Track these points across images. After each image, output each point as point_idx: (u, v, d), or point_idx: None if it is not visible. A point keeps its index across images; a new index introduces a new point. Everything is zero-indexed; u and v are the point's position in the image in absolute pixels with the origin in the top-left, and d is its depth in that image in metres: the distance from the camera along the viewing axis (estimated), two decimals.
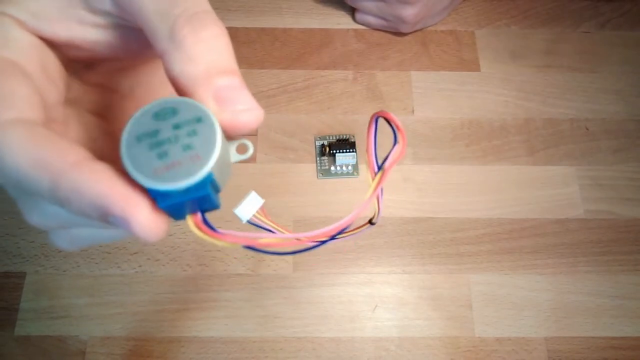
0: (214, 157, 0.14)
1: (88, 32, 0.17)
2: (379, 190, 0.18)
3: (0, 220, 0.43)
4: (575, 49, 0.51)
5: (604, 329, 0.41)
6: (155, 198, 0.14)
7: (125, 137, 0.15)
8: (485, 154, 0.46)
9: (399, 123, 0.18)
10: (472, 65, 0.50)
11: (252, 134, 0.46)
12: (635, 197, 0.45)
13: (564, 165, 0.46)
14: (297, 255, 0.42)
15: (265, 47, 0.50)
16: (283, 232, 0.20)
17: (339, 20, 0.52)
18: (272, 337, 0.40)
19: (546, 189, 0.45)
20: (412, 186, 0.45)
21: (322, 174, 0.45)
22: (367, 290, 0.42)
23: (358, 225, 0.20)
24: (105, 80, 0.20)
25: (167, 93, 0.21)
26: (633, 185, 0.46)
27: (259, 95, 0.48)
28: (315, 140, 0.46)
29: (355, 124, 0.47)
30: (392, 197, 0.45)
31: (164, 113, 0.15)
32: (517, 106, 0.48)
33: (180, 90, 0.15)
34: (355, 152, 0.45)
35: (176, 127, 0.15)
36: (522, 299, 0.42)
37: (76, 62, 0.18)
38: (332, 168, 0.45)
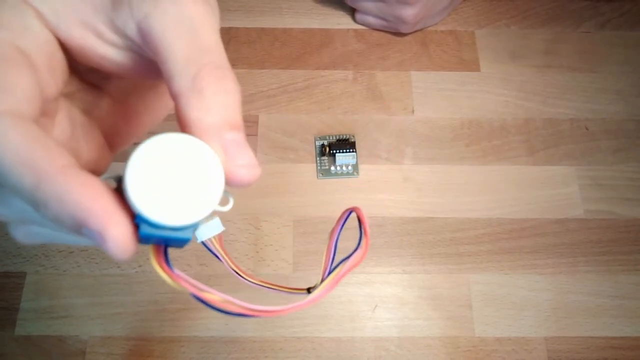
0: (215, 204, 0.15)
1: (102, 47, 0.17)
2: (327, 291, 0.18)
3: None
4: (575, 49, 0.51)
5: (604, 329, 0.41)
6: (140, 224, 0.14)
7: (134, 156, 0.15)
8: (485, 154, 0.46)
9: (367, 227, 0.18)
10: (472, 65, 0.50)
11: (254, 134, 0.46)
12: (635, 197, 0.45)
13: (564, 165, 0.46)
14: (297, 256, 0.42)
15: (265, 47, 0.50)
16: (230, 264, 0.21)
17: (339, 20, 0.52)
18: (272, 337, 0.40)
19: (546, 189, 0.45)
20: (412, 186, 0.45)
21: (322, 174, 0.45)
22: (367, 290, 0.42)
23: (296, 288, 0.21)
24: (102, 83, 0.20)
25: (160, 106, 0.22)
26: (633, 185, 0.46)
27: (259, 95, 0.48)
28: (315, 140, 0.46)
29: (355, 124, 0.47)
30: (392, 197, 0.45)
31: (177, 147, 0.15)
32: (517, 106, 0.48)
33: (187, 131, 0.16)
34: (355, 152, 0.45)
35: (185, 164, 0.15)
36: (522, 299, 0.42)
37: (80, 64, 0.18)
38: (332, 168, 0.45)
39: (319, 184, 0.45)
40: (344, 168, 0.45)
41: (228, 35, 0.50)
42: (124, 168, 0.15)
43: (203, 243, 0.19)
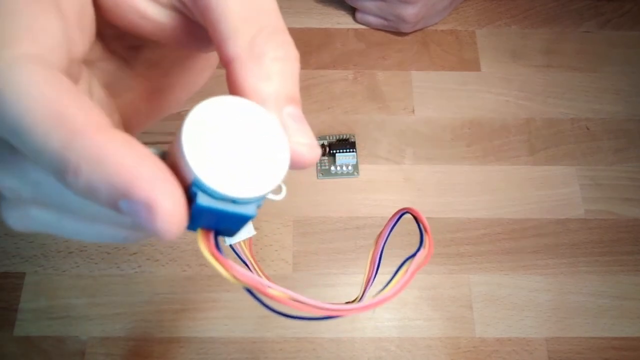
0: (278, 180, 0.13)
1: (142, 3, 0.15)
2: (396, 293, 0.16)
3: None
4: (576, 49, 0.51)
5: (605, 330, 0.41)
6: (196, 194, 0.12)
7: (191, 116, 0.13)
8: (485, 154, 0.46)
9: (427, 224, 0.16)
10: (472, 65, 0.50)
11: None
12: (636, 197, 0.45)
13: (564, 165, 0.46)
14: (297, 256, 0.42)
15: None
16: (259, 272, 0.18)
17: (339, 20, 0.51)
18: (272, 337, 0.40)
19: (547, 189, 0.45)
20: (412, 186, 0.45)
21: (322, 174, 0.45)
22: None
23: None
24: (125, 52, 0.18)
25: (185, 85, 0.19)
26: (633, 185, 0.45)
27: None
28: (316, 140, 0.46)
29: (355, 124, 0.47)
30: (392, 197, 0.45)
31: (242, 112, 0.13)
32: (518, 106, 0.48)
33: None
34: (356, 152, 0.45)
35: (249, 131, 0.13)
36: (523, 299, 0.42)
37: (110, 26, 0.16)
38: (332, 168, 0.45)
39: (319, 184, 0.45)
40: (344, 168, 0.45)
41: None
42: (178, 130, 0.12)
43: (232, 247, 0.17)
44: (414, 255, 0.16)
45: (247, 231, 0.16)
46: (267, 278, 0.18)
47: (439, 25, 0.51)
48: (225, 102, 0.13)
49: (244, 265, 0.18)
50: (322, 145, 0.46)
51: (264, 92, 0.14)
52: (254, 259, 0.18)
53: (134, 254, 0.42)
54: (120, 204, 0.11)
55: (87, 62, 0.16)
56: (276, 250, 0.42)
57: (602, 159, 0.46)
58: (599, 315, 0.41)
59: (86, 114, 0.12)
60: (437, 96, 0.48)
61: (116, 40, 0.17)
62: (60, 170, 0.11)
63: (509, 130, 0.47)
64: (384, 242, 0.17)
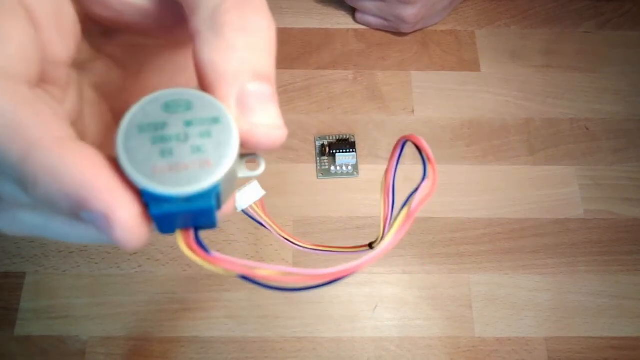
0: (227, 166, 0.12)
1: None
2: (401, 234, 0.15)
3: None
4: (575, 49, 0.51)
5: (604, 329, 0.41)
6: (148, 202, 0.12)
7: (125, 123, 0.12)
8: (485, 154, 0.46)
9: (430, 153, 0.15)
10: (472, 65, 0.50)
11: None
12: (635, 197, 0.45)
13: (564, 165, 0.46)
14: (297, 256, 0.42)
15: None
16: (278, 231, 0.18)
17: (339, 20, 0.52)
18: (272, 337, 0.40)
19: (546, 189, 0.45)
20: (412, 186, 0.45)
21: (322, 174, 0.45)
22: (367, 290, 0.42)
23: (356, 246, 0.18)
24: (116, 52, 0.18)
25: (179, 83, 0.19)
26: (633, 185, 0.46)
27: None
28: (315, 140, 0.46)
29: (355, 124, 0.47)
30: None
31: (176, 105, 0.13)
32: (517, 106, 0.48)
33: (203, 82, 0.13)
34: (356, 152, 0.45)
35: (188, 124, 0.13)
36: (522, 299, 0.42)
37: (95, 23, 0.16)
38: (332, 168, 0.45)
39: (319, 184, 0.45)
40: (344, 168, 0.45)
41: None
42: (113, 138, 0.12)
43: (244, 211, 0.17)
44: (417, 189, 0.15)
45: (256, 193, 0.16)
46: (289, 236, 0.18)
47: (438, 25, 0.51)
48: (162, 96, 0.13)
49: (263, 227, 0.17)
50: (322, 146, 0.46)
51: (221, 67, 0.13)
52: (270, 219, 0.18)
53: (135, 253, 0.42)
54: (81, 215, 0.11)
55: (76, 63, 0.16)
56: (276, 250, 0.42)
57: (602, 159, 0.46)
58: (598, 315, 0.41)
59: (44, 126, 0.12)
60: (437, 96, 0.49)
61: (105, 39, 0.17)
62: (20, 181, 0.12)
63: (508, 131, 0.47)
64: (393, 175, 0.16)
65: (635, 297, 0.42)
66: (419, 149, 0.15)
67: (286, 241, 0.18)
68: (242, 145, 0.13)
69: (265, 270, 0.13)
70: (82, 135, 0.16)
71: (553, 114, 0.48)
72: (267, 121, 0.13)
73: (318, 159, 0.46)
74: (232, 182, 0.14)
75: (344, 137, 0.46)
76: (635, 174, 0.46)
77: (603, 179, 0.46)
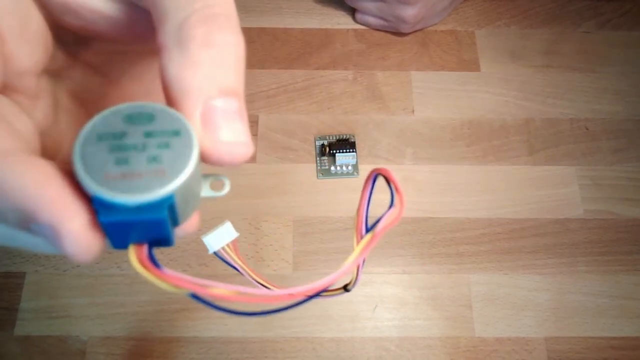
0: (182, 178, 0.12)
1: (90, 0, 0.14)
2: (362, 256, 0.15)
3: None
4: (575, 49, 0.51)
5: (604, 329, 0.41)
6: (98, 210, 0.12)
7: (85, 131, 0.12)
8: (485, 154, 0.46)
9: (398, 184, 0.16)
10: (472, 65, 0.50)
11: (254, 133, 0.46)
12: (635, 197, 0.45)
13: (564, 165, 0.46)
14: (297, 256, 0.42)
15: (265, 47, 0.50)
16: (253, 275, 0.17)
17: (339, 20, 0.52)
18: (272, 337, 0.40)
19: (546, 189, 0.45)
20: (412, 186, 0.45)
21: (322, 174, 0.45)
22: (367, 290, 0.42)
23: (332, 289, 0.17)
24: (95, 60, 0.17)
25: (158, 90, 0.19)
26: (633, 185, 0.46)
27: (259, 95, 0.48)
28: (315, 140, 0.46)
29: (355, 124, 0.47)
30: None
31: (138, 117, 0.13)
32: (517, 106, 0.48)
33: (169, 98, 0.13)
34: (355, 152, 0.45)
35: (148, 135, 0.12)
36: (522, 299, 0.42)
37: (68, 32, 0.16)
38: (332, 168, 0.45)
39: (319, 184, 0.45)
40: (344, 168, 0.45)
41: None
42: (71, 146, 0.12)
43: (216, 254, 0.16)
44: (382, 217, 0.15)
45: (228, 235, 0.16)
46: (264, 281, 0.18)
47: (438, 25, 0.51)
48: (123, 109, 0.13)
49: (234, 270, 0.17)
50: (322, 146, 0.46)
51: (186, 83, 0.12)
52: (243, 262, 0.17)
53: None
54: (31, 227, 0.11)
55: (51, 71, 0.16)
56: (276, 250, 0.42)
57: (602, 159, 0.46)
58: (598, 315, 0.41)
59: None
60: (437, 96, 0.49)
61: (82, 47, 0.17)
62: None
63: (508, 131, 0.47)
64: (365, 212, 0.16)
65: (635, 297, 0.42)
66: (387, 180, 0.16)
67: (261, 286, 0.18)
68: (205, 160, 0.13)
69: (219, 289, 0.13)
70: (57, 144, 0.16)
71: (553, 114, 0.48)
72: (231, 137, 0.13)
73: (318, 159, 0.46)
74: (193, 199, 0.14)
75: (344, 137, 0.46)
76: (635, 174, 0.46)
77: (603, 179, 0.46)
